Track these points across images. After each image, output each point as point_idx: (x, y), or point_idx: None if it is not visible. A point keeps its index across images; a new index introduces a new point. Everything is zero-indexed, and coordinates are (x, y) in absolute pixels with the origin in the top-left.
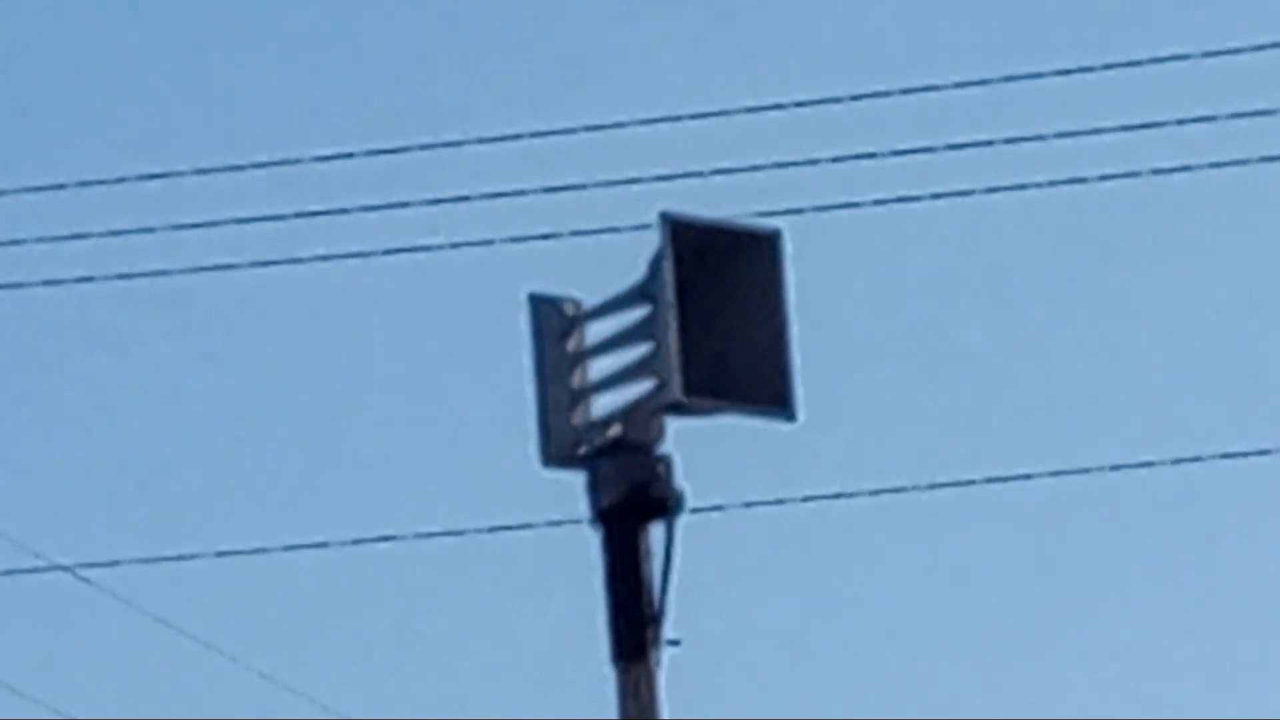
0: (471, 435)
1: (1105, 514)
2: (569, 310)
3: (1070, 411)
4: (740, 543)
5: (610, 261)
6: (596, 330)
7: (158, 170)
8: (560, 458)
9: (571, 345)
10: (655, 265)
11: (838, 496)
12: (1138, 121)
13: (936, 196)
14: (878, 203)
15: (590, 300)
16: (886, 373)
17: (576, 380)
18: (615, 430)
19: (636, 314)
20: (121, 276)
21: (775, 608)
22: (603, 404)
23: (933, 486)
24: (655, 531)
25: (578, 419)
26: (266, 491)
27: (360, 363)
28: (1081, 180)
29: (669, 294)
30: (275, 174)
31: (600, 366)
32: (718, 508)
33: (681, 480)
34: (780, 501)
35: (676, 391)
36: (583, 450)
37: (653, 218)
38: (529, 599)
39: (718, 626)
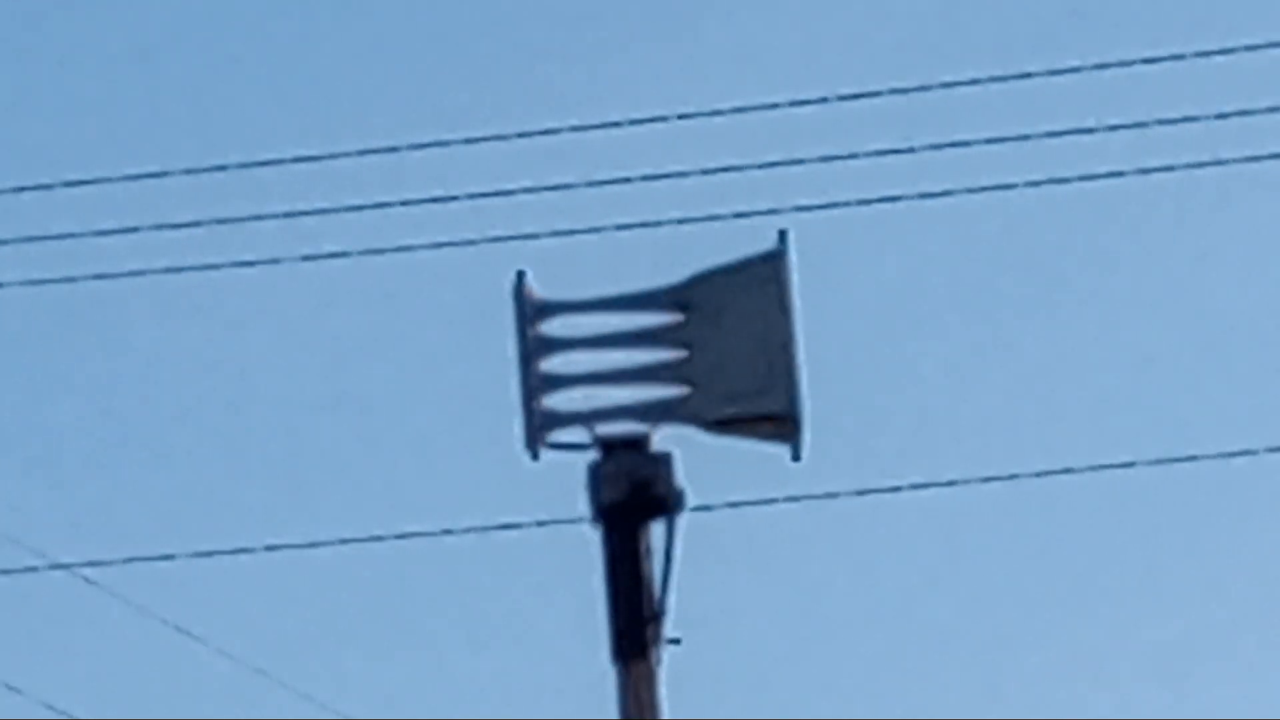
0: (471, 434)
1: (1104, 514)
2: (556, 297)
3: (1069, 411)
4: (740, 543)
5: (608, 260)
6: (590, 324)
7: (156, 170)
8: (540, 441)
9: (560, 331)
10: (705, 277)
11: (837, 496)
12: (1136, 121)
13: (935, 196)
14: (875, 201)
15: (589, 294)
16: (885, 372)
17: (560, 366)
18: (622, 427)
19: (654, 318)
20: (121, 276)
21: (775, 608)
22: (604, 398)
23: (932, 486)
24: (656, 530)
25: (558, 404)
26: (266, 491)
27: (360, 362)
28: (1080, 180)
29: (790, 307)
30: (274, 174)
31: (593, 360)
32: (718, 507)
33: (682, 479)
34: (780, 501)
35: (796, 413)
36: (571, 439)
37: (650, 217)
38: (529, 598)
39: (718, 625)
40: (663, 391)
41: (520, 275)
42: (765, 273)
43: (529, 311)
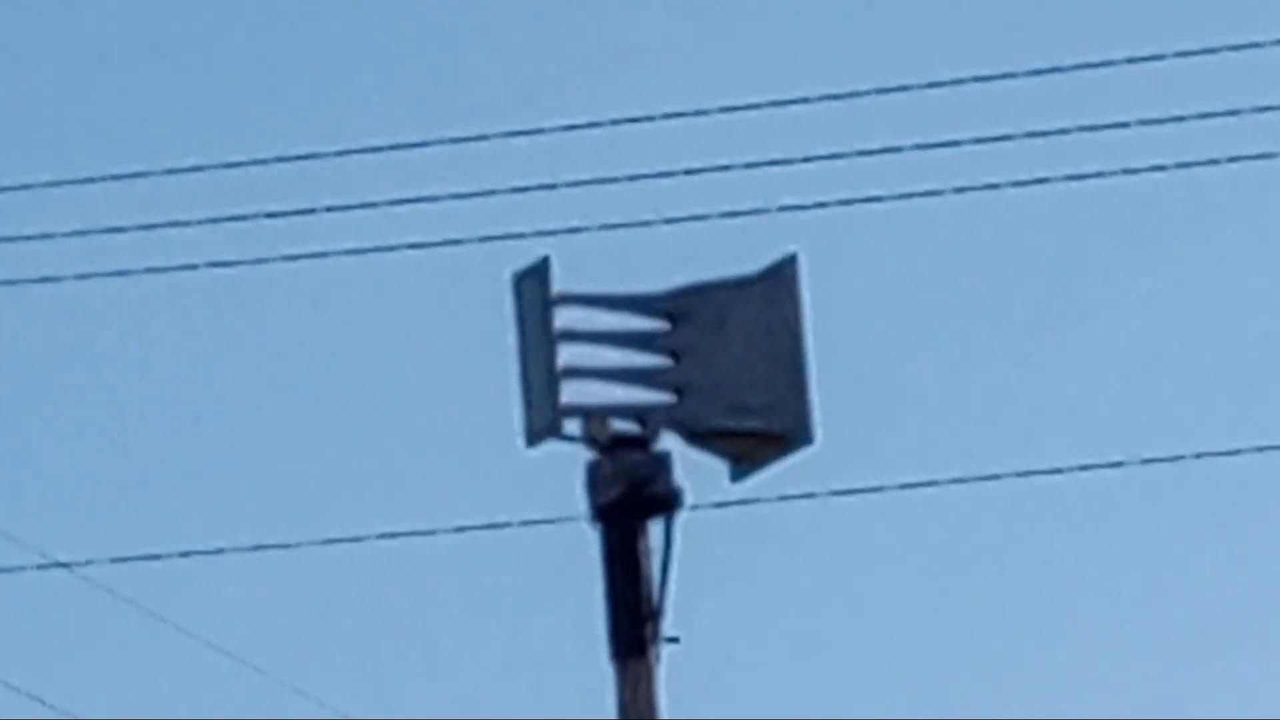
0: (472, 433)
1: (1104, 513)
2: (558, 290)
3: (1068, 410)
4: (740, 541)
5: (606, 260)
6: (600, 321)
7: (157, 170)
8: (542, 433)
9: (560, 324)
10: (716, 287)
11: (837, 494)
12: (1137, 120)
13: (935, 195)
14: (873, 200)
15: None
16: (884, 371)
17: (563, 359)
18: (619, 426)
19: (644, 323)
20: (122, 276)
21: (775, 607)
22: (608, 396)
23: (932, 484)
24: (654, 529)
25: (556, 398)
26: (266, 491)
27: (360, 361)
28: (1080, 179)
29: (803, 330)
30: (273, 173)
31: (595, 356)
32: (717, 505)
33: (680, 478)
34: (780, 500)
35: (812, 434)
36: (571, 434)
37: (648, 217)
38: (528, 596)
39: (717, 624)
40: (666, 397)
41: (545, 260)
42: (776, 288)
43: (549, 299)
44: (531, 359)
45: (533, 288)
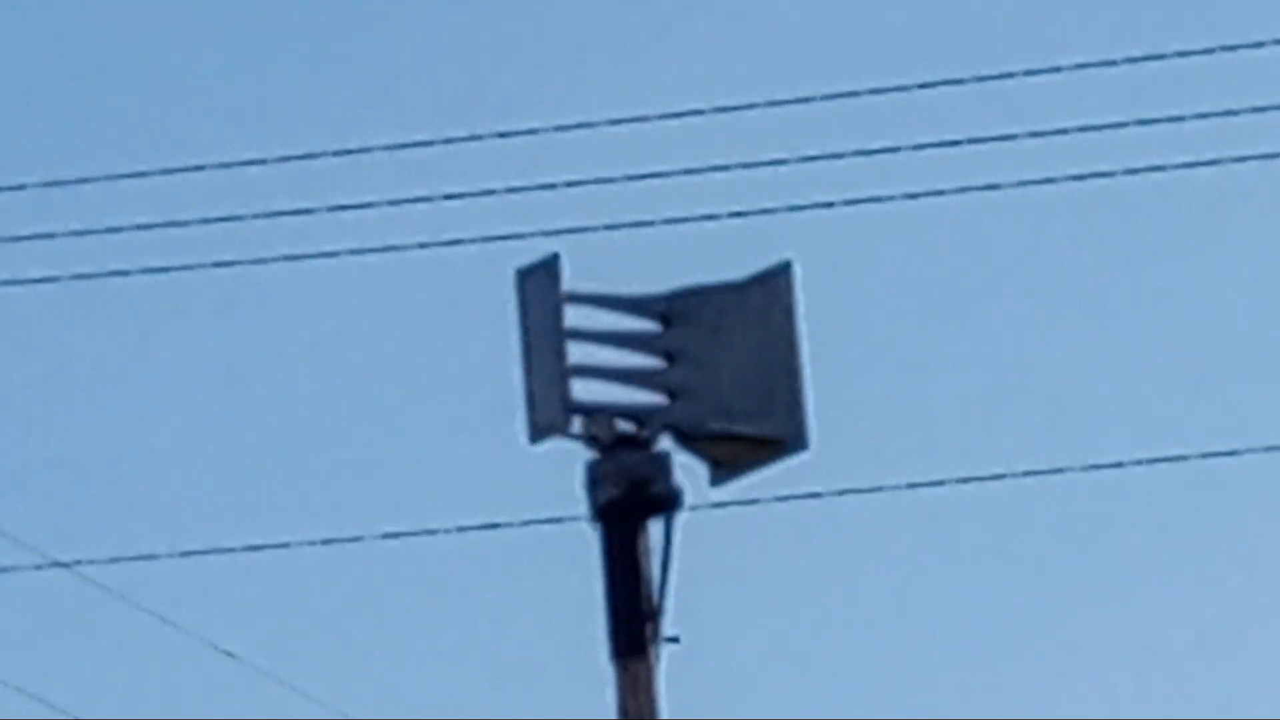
0: (471, 432)
1: (1104, 513)
2: (565, 287)
3: (1068, 410)
4: (740, 541)
5: (607, 260)
6: (593, 320)
7: (157, 170)
8: (548, 429)
9: (566, 322)
10: (695, 292)
11: (836, 494)
12: (1136, 120)
13: (935, 194)
14: (875, 201)
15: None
16: (883, 372)
17: (569, 356)
18: (618, 426)
19: (640, 324)
20: (121, 275)
21: (775, 607)
22: (607, 394)
23: (932, 485)
24: (654, 529)
25: (566, 395)
26: (266, 490)
27: (360, 360)
28: (1080, 179)
29: (798, 336)
30: (272, 173)
31: (594, 355)
32: (717, 505)
33: (680, 477)
34: (779, 500)
35: (806, 440)
36: (574, 432)
37: (645, 217)
38: (529, 596)
39: (717, 624)
40: (659, 399)
41: (555, 258)
42: (771, 293)
43: (558, 296)
44: (538, 356)
45: (539, 284)
